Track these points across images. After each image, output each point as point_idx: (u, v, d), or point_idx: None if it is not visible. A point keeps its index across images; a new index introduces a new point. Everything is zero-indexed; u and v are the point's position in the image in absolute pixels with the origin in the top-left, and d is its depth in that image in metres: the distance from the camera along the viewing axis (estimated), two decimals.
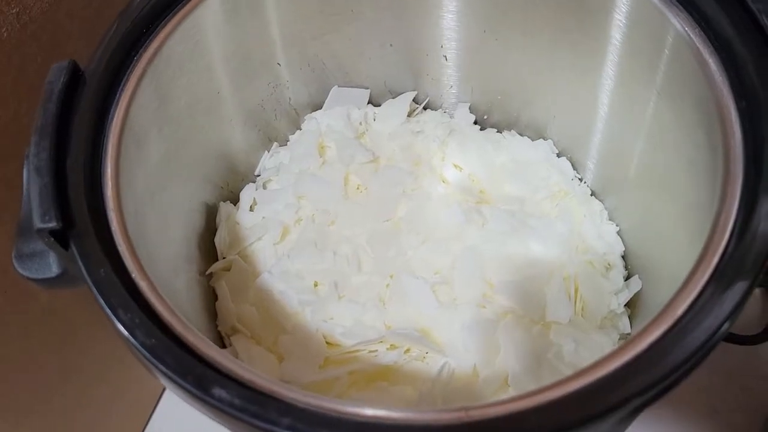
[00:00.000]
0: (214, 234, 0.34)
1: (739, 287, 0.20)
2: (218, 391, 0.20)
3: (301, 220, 0.35)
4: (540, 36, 0.32)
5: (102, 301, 0.21)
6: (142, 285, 0.23)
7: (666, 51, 0.27)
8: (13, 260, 0.24)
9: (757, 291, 0.54)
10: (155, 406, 0.53)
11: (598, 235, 0.35)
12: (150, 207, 0.28)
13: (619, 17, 0.29)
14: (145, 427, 0.52)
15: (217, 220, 0.35)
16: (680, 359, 0.19)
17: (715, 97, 0.24)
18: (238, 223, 0.35)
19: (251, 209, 0.35)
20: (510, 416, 0.19)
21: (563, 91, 0.34)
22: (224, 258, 0.34)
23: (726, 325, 0.20)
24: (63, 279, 0.24)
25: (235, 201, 0.36)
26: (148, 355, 0.20)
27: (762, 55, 0.24)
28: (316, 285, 0.33)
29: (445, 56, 0.36)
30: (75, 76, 0.25)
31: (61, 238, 0.23)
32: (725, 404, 0.51)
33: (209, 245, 0.34)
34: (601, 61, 0.31)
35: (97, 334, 0.43)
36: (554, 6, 0.31)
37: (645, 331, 0.20)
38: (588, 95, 0.33)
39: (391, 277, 0.33)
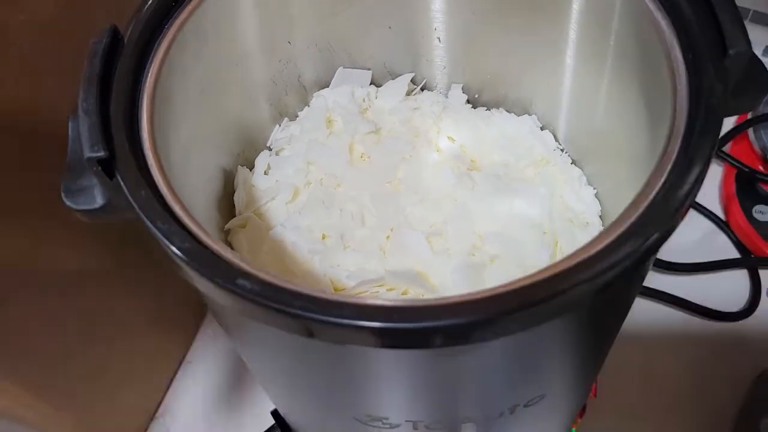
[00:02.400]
0: (231, 196, 0.38)
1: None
2: (241, 281, 0.23)
3: (311, 183, 0.39)
4: (518, 17, 0.37)
5: (143, 216, 0.25)
6: (176, 207, 0.26)
7: (617, 18, 0.31)
8: (63, 195, 0.28)
9: (743, 271, 0.58)
10: (170, 384, 0.56)
11: (577, 197, 0.39)
12: (177, 170, 0.32)
13: None
14: (162, 398, 0.56)
15: (235, 182, 0.39)
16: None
17: (666, 51, 0.28)
18: (253, 186, 0.39)
19: (265, 173, 0.39)
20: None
21: (540, 69, 0.39)
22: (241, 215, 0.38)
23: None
24: (106, 209, 0.28)
25: (251, 167, 0.40)
26: (183, 256, 0.24)
27: (703, 15, 0.28)
28: (323, 237, 0.36)
29: (439, 38, 0.40)
30: (115, 39, 0.29)
31: (106, 167, 0.26)
32: (710, 380, 0.54)
33: (227, 207, 0.38)
34: (564, 38, 0.35)
35: (117, 308, 0.46)
36: None
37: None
38: (557, 72, 0.37)
39: (391, 230, 0.36)
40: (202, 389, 0.56)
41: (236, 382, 0.57)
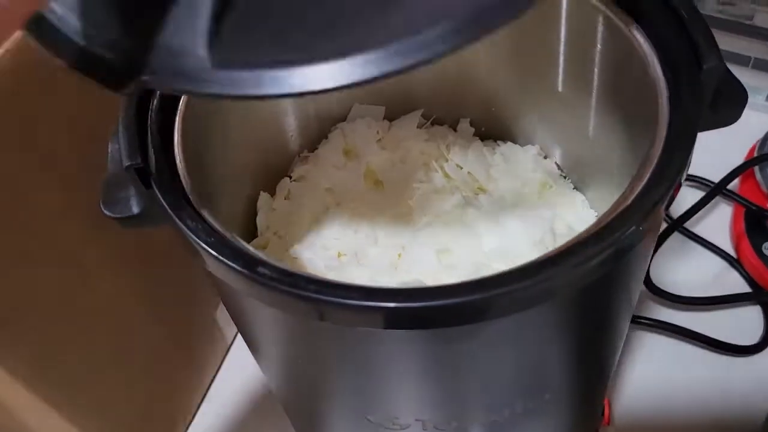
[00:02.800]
0: (253, 219, 0.41)
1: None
2: (261, 269, 0.26)
3: (328, 207, 0.41)
4: (514, 59, 0.40)
5: (175, 216, 0.28)
6: (203, 211, 0.29)
7: (600, 44, 0.34)
8: (102, 206, 0.31)
9: (756, 307, 0.59)
10: (191, 420, 0.57)
11: (579, 219, 0.41)
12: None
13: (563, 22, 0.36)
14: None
15: (258, 206, 0.42)
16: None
17: (642, 63, 0.31)
18: (274, 209, 0.42)
19: (286, 198, 0.42)
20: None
21: (537, 102, 0.42)
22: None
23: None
24: (141, 217, 0.31)
25: (272, 193, 0.43)
26: (208, 248, 0.27)
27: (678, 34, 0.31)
28: (339, 255, 0.39)
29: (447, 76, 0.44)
30: None
31: (142, 177, 0.30)
32: (724, 413, 0.54)
33: (248, 229, 0.41)
34: (555, 72, 0.38)
35: (147, 329, 0.49)
36: (517, 31, 0.39)
37: None
38: (551, 103, 0.40)
39: (403, 248, 0.39)
40: (222, 423, 0.57)
41: (258, 419, 0.58)
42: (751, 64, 0.67)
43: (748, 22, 0.65)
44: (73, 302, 0.41)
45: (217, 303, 0.58)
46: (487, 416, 0.33)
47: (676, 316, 0.59)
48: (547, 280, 0.24)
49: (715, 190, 0.58)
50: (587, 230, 0.26)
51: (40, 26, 0.22)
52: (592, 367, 0.36)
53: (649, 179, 0.27)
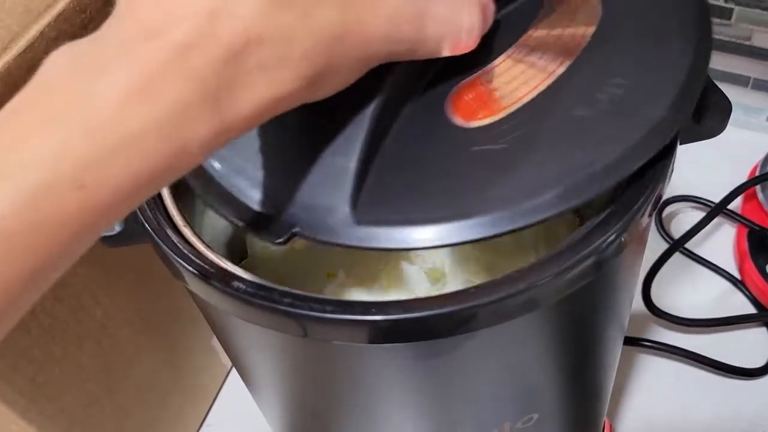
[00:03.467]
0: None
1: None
2: (236, 284, 0.26)
3: None
4: None
5: (153, 234, 0.28)
6: (184, 230, 0.29)
7: None
8: None
9: (761, 328, 0.58)
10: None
11: None
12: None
13: None
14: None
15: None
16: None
17: None
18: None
19: None
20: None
21: None
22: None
23: None
24: (124, 235, 0.31)
25: None
26: (185, 263, 0.27)
27: None
28: (329, 275, 0.39)
29: None
30: None
31: None
32: None
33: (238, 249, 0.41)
34: None
35: (142, 357, 0.49)
36: None
37: None
38: None
39: (393, 266, 0.39)
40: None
41: None
42: (750, 85, 0.67)
43: (746, 43, 0.65)
44: (66, 329, 0.41)
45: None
46: None
47: (679, 339, 0.58)
48: (527, 290, 0.24)
49: (716, 210, 0.58)
50: (568, 239, 0.25)
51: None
52: (583, 388, 0.35)
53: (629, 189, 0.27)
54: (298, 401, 0.34)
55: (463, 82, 0.28)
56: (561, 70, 0.28)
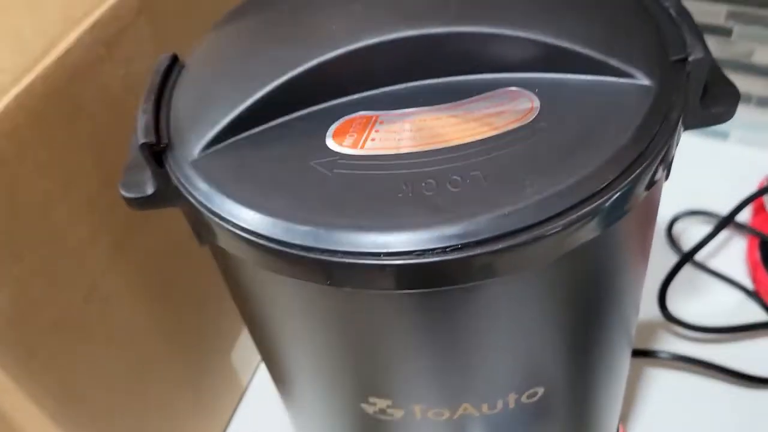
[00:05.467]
0: None
1: None
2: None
3: None
4: None
5: (185, 186, 0.29)
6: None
7: None
8: (120, 187, 0.32)
9: None
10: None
11: None
12: None
13: None
14: None
15: None
16: None
17: None
18: None
19: None
20: None
21: None
22: None
23: None
24: (154, 197, 0.32)
25: None
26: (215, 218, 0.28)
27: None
28: None
29: None
30: (174, 61, 0.35)
31: (156, 157, 0.31)
32: None
33: None
34: None
35: (163, 367, 0.48)
36: None
37: None
38: None
39: None
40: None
41: None
42: (753, 102, 0.68)
43: (746, 61, 0.67)
44: (93, 332, 0.41)
45: (233, 345, 0.57)
46: (479, 405, 0.32)
47: (695, 350, 0.58)
48: (537, 239, 0.25)
49: (725, 221, 0.59)
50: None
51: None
52: (590, 369, 0.35)
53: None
54: (308, 365, 0.34)
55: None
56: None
